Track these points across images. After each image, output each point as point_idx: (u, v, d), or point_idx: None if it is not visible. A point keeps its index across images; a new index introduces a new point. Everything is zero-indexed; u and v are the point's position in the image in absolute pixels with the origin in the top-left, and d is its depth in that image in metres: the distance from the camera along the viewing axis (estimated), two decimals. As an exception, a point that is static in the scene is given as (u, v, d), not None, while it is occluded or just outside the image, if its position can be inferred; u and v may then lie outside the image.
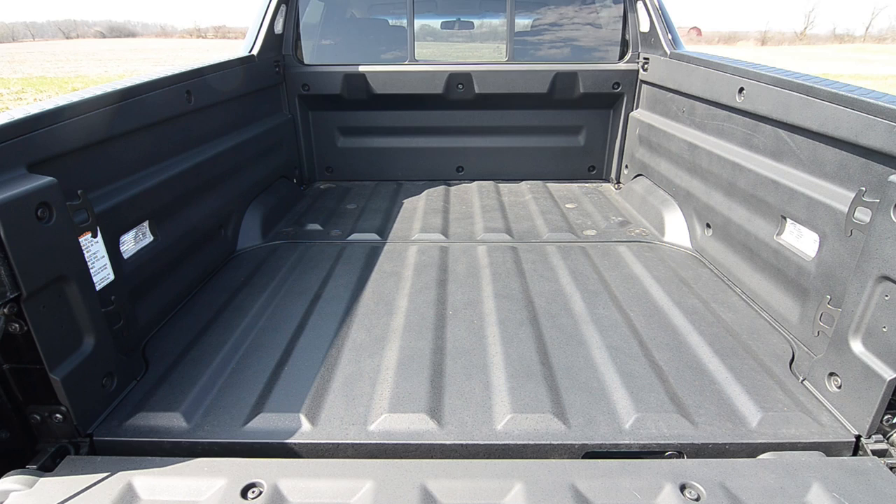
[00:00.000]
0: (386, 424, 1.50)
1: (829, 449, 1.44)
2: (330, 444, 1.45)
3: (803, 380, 1.67)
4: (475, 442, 1.44)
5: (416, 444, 1.44)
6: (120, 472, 1.30)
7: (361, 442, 1.44)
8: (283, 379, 1.68)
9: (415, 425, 1.49)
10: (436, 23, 4.10)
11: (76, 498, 1.23)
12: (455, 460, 1.40)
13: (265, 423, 1.50)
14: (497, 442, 1.44)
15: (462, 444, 1.44)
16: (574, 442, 1.44)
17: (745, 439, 1.44)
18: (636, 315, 2.05)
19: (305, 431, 1.47)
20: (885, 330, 1.40)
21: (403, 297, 2.19)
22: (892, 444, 1.43)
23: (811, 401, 1.59)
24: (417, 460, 1.37)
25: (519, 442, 1.44)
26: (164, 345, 1.88)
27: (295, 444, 1.44)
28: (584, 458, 1.44)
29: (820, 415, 1.53)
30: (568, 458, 1.44)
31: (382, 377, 1.69)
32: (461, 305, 2.12)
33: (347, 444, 1.44)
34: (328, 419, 1.52)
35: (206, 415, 1.53)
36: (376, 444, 1.44)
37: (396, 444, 1.44)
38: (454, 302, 2.15)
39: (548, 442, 1.44)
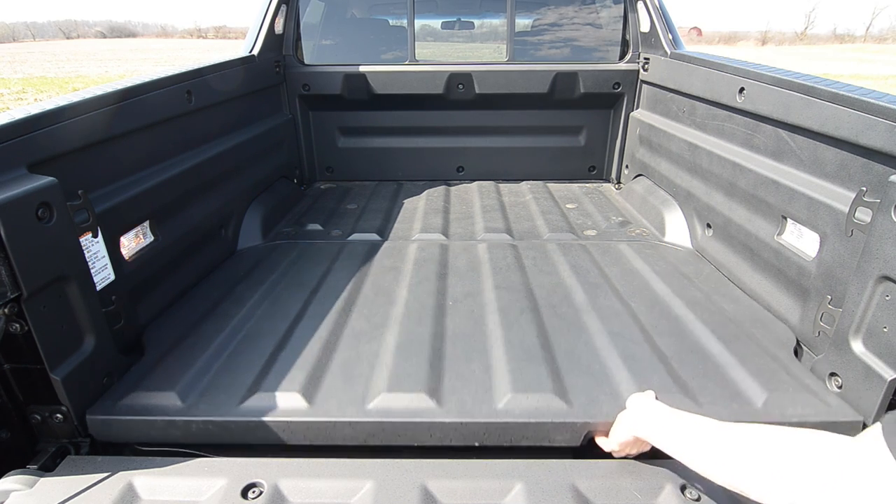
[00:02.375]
0: (384, 403, 1.48)
1: (837, 430, 1.43)
2: (327, 422, 1.43)
3: (811, 367, 1.67)
4: (475, 420, 1.42)
5: (415, 423, 1.42)
6: (120, 472, 1.30)
7: (359, 420, 1.42)
8: (281, 362, 1.67)
9: (413, 404, 1.47)
10: (436, 23, 4.10)
11: (76, 498, 1.23)
12: (455, 460, 1.39)
13: (261, 402, 1.49)
14: (497, 420, 1.42)
15: (462, 423, 1.42)
16: (576, 420, 1.42)
17: (751, 419, 1.42)
18: (637, 305, 2.04)
19: (302, 410, 1.46)
20: (885, 330, 1.40)
21: (403, 288, 2.18)
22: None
23: (816, 382, 1.58)
24: (417, 460, 1.36)
25: (520, 420, 1.41)
26: (161, 331, 1.88)
27: (291, 422, 1.43)
28: (585, 439, 1.43)
29: (826, 396, 1.52)
30: (570, 436, 1.42)
31: (381, 360, 1.67)
32: (461, 296, 2.12)
33: (345, 422, 1.42)
34: (325, 398, 1.50)
35: (203, 395, 1.52)
36: (374, 422, 1.42)
37: (395, 422, 1.42)
38: (454, 293, 2.14)
39: (549, 420, 1.42)
